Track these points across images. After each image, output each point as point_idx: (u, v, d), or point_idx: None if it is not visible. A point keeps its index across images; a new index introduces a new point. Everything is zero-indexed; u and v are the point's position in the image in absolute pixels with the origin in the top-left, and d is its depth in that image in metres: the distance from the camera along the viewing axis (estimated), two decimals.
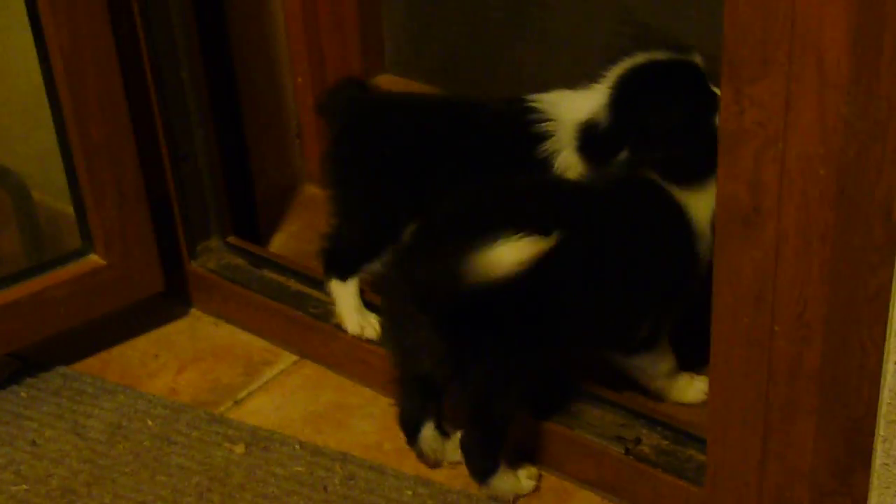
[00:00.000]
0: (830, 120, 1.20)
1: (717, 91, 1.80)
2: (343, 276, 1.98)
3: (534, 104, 1.90)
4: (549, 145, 1.87)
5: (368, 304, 2.00)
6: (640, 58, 1.86)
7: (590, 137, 1.86)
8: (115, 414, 1.96)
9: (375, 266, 1.94)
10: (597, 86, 1.88)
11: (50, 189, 2.15)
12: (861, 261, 1.27)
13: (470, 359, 1.62)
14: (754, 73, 1.23)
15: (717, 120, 1.81)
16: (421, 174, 1.91)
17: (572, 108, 1.88)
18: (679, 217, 1.73)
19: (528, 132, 1.88)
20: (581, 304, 1.70)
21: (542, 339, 1.67)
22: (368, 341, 1.98)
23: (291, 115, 2.47)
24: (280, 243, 2.39)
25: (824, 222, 1.25)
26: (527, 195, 1.73)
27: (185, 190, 2.17)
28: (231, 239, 2.25)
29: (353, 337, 1.99)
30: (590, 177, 1.80)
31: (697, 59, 1.84)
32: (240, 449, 1.88)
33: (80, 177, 1.99)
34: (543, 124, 1.87)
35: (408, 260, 1.65)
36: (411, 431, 1.81)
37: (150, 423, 1.94)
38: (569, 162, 1.87)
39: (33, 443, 1.91)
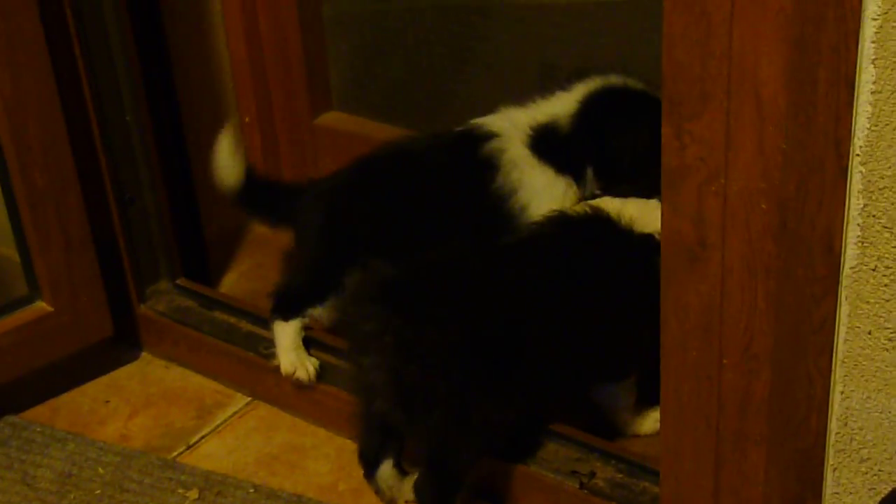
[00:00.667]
0: (770, 154, 1.21)
1: None
2: (286, 317, 1.98)
3: (471, 124, 1.91)
4: (492, 145, 1.86)
5: (323, 345, 2.00)
6: (615, 79, 1.87)
7: (547, 137, 1.86)
8: (65, 462, 1.93)
9: (320, 311, 1.96)
10: (561, 94, 1.89)
11: None
12: (805, 292, 1.28)
13: (426, 406, 1.62)
14: (694, 110, 1.24)
15: None
16: (364, 226, 1.93)
17: (523, 114, 1.89)
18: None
19: (465, 148, 1.89)
20: (553, 348, 1.72)
21: (507, 389, 1.68)
22: (311, 382, 1.98)
23: None
24: (230, 283, 2.38)
25: (768, 255, 1.26)
26: (491, 253, 1.76)
27: (133, 233, 2.15)
28: (181, 281, 2.24)
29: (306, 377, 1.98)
30: (549, 219, 1.80)
31: None
32: (193, 495, 1.86)
33: (25, 223, 1.97)
34: (484, 131, 1.88)
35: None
36: (370, 466, 1.80)
37: (101, 470, 1.92)
38: (517, 160, 1.86)
39: None
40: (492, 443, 1.73)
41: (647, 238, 1.71)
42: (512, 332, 1.66)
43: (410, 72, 2.31)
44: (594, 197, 1.85)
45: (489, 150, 1.87)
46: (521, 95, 1.97)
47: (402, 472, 1.80)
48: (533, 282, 1.70)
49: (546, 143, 1.87)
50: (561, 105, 1.89)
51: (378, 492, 1.81)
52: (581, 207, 1.78)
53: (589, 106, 1.87)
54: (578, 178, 1.88)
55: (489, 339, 1.64)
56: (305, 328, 1.99)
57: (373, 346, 1.63)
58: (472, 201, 1.88)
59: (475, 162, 1.87)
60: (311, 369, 1.96)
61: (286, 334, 1.98)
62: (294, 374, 1.97)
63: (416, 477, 1.75)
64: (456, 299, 1.66)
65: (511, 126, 1.89)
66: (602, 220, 1.75)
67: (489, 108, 2.07)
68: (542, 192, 1.86)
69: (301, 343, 1.98)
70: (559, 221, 1.77)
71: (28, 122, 1.89)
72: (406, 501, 1.80)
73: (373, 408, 1.71)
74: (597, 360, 1.78)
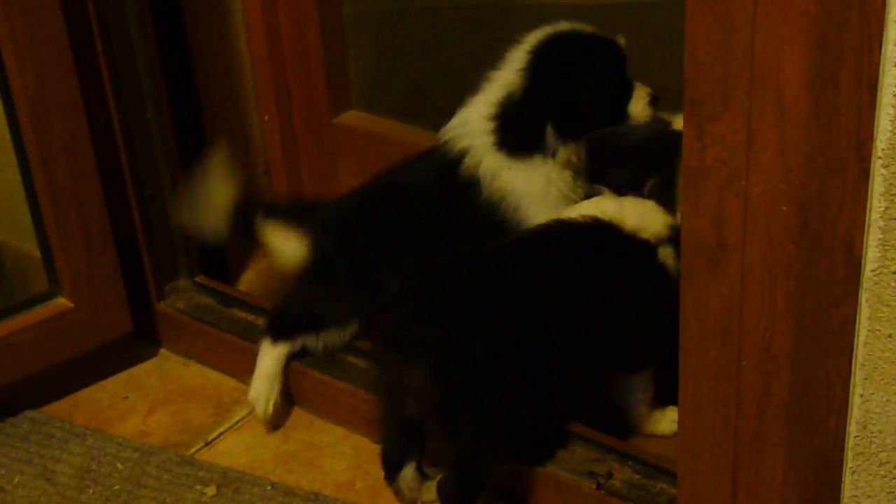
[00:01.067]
0: (791, 156, 1.21)
1: (634, 82, 1.81)
2: (275, 339, 1.97)
3: (444, 140, 1.88)
4: (468, 162, 1.85)
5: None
6: (563, 26, 1.83)
7: (505, 121, 1.82)
8: (84, 458, 1.94)
9: (311, 341, 1.96)
10: (511, 55, 1.84)
11: (16, 231, 2.14)
12: (825, 294, 1.28)
13: (462, 410, 1.63)
14: (715, 111, 1.24)
15: (629, 108, 1.81)
16: (368, 260, 1.91)
17: (480, 104, 1.85)
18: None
19: (448, 173, 1.86)
20: (578, 345, 1.73)
21: (539, 388, 1.69)
22: (266, 419, 1.98)
23: (259, 153, 2.47)
24: (248, 281, 2.39)
25: (788, 257, 1.26)
26: (506, 253, 1.76)
27: (153, 230, 2.16)
28: (199, 278, 2.25)
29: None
30: (553, 224, 1.80)
31: (622, 41, 1.82)
32: (211, 491, 1.87)
33: (46, 219, 1.98)
34: (457, 151, 1.86)
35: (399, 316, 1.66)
36: (392, 469, 1.80)
37: (119, 466, 1.93)
38: (492, 168, 1.83)
39: (1, 489, 1.89)
40: (517, 443, 1.73)
41: (647, 242, 1.73)
42: (543, 334, 1.67)
43: (430, 71, 2.31)
44: (594, 194, 1.84)
45: (467, 170, 1.85)
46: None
47: (423, 475, 1.80)
48: (556, 285, 1.72)
49: (507, 130, 1.83)
50: (511, 68, 1.84)
51: (398, 493, 1.81)
52: (584, 218, 1.78)
53: (537, 57, 1.82)
54: (543, 148, 1.82)
55: (525, 342, 1.65)
56: None
57: (411, 352, 1.63)
58: (469, 221, 1.86)
59: (460, 185, 1.85)
60: (271, 408, 1.95)
61: (267, 358, 1.96)
62: (253, 404, 1.97)
63: (435, 479, 1.76)
64: (494, 305, 1.67)
65: (475, 132, 1.85)
66: (606, 226, 1.75)
67: None
68: (526, 189, 1.84)
69: (279, 372, 1.96)
70: (568, 228, 1.78)
71: (50, 119, 1.90)
72: (424, 502, 1.81)
73: (402, 411, 1.71)
74: (614, 353, 1.80)
